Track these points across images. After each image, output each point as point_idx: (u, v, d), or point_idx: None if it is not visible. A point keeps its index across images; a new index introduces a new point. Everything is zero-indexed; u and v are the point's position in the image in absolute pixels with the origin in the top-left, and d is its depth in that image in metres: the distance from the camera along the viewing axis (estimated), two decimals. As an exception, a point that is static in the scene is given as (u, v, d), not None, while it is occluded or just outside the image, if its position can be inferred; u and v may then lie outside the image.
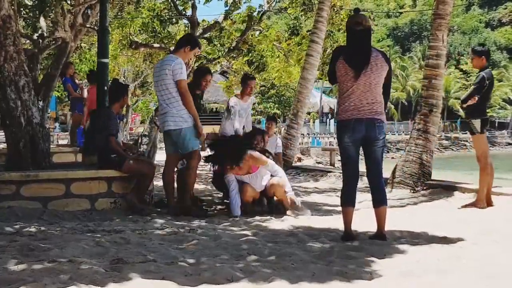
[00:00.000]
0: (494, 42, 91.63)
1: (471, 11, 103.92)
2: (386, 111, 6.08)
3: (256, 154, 7.62)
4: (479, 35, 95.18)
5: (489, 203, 8.15)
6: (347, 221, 5.61)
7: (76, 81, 14.45)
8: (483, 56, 8.28)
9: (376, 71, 5.58)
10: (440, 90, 9.99)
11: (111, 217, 6.73)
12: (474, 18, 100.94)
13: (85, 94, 14.43)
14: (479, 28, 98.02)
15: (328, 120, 58.97)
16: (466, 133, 70.44)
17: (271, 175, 7.66)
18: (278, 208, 7.67)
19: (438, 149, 55.99)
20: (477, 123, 8.11)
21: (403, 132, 65.09)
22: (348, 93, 5.62)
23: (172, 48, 16.61)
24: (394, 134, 63.69)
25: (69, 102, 15.62)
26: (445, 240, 5.47)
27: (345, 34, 6.07)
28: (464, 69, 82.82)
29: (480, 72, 8.20)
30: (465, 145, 67.62)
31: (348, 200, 5.65)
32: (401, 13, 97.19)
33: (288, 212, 7.39)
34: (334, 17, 18.38)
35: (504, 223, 6.55)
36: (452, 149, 66.06)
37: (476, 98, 7.99)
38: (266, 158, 7.70)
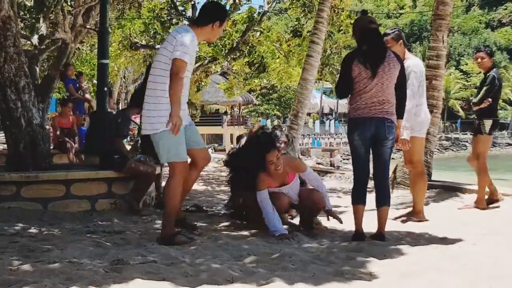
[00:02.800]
0: (494, 43, 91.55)
1: (471, 12, 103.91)
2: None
3: (296, 160, 6.75)
4: (479, 36, 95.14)
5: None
6: (358, 220, 5.58)
7: (81, 83, 14.42)
8: (492, 57, 8.29)
9: (388, 72, 5.59)
10: (440, 91, 9.97)
11: (111, 218, 6.72)
12: (474, 18, 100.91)
13: (87, 95, 14.44)
14: (479, 29, 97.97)
15: (328, 121, 58.98)
16: (466, 134, 70.64)
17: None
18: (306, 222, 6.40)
19: (438, 149, 56.09)
20: (488, 123, 8.09)
21: (403, 132, 64.97)
22: (360, 92, 5.62)
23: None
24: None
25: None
26: (445, 241, 5.47)
27: (352, 35, 6.07)
28: (464, 70, 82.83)
29: (489, 72, 8.15)
30: (465, 145, 67.68)
31: (358, 198, 5.63)
32: (401, 14, 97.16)
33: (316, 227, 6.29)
34: (334, 18, 18.38)
35: (504, 223, 6.56)
36: (452, 150, 66.20)
37: (490, 100, 7.99)
38: (306, 164, 6.68)
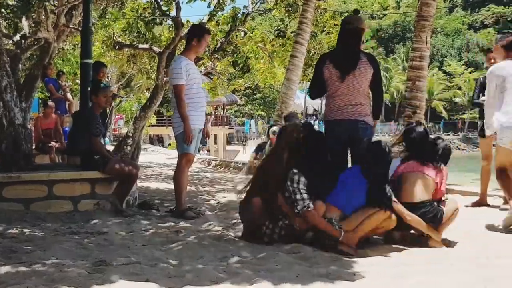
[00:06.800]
0: (477, 44, 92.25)
1: (454, 13, 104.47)
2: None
3: None
4: (462, 37, 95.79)
5: (484, 203, 8.21)
6: None
7: (62, 82, 14.33)
8: None
9: (359, 75, 5.66)
10: (424, 92, 10.01)
11: (94, 218, 6.67)
12: (457, 20, 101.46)
13: (69, 95, 14.36)
14: (462, 30, 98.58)
15: (312, 121, 59.03)
16: (449, 134, 71.09)
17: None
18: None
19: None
20: None
21: (386, 133, 65.46)
22: (333, 95, 5.74)
23: (155, 49, 16.64)
24: (378, 136, 64.01)
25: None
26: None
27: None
28: (447, 71, 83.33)
29: None
30: (448, 146, 67.93)
31: None
32: (385, 14, 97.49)
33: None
34: (318, 18, 18.41)
35: (491, 223, 6.58)
36: (435, 150, 66.41)
37: None
38: None
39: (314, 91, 6.17)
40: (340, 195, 5.20)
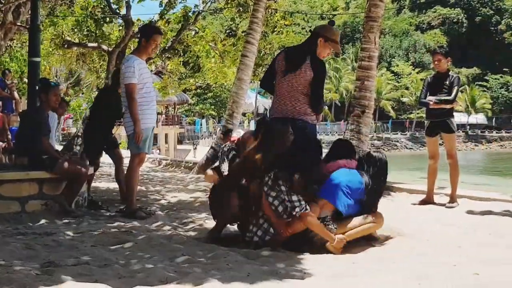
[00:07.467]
0: (423, 45, 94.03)
1: (401, 14, 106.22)
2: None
3: None
4: (409, 38, 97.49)
5: (431, 201, 8.35)
6: None
7: (8, 81, 14.07)
8: (448, 58, 8.51)
9: (299, 75, 5.75)
10: (373, 92, 10.12)
11: (42, 219, 6.57)
12: (405, 21, 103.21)
13: (15, 94, 14.10)
14: (410, 31, 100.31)
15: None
16: (396, 134, 72.26)
17: None
18: None
19: (369, 149, 57.07)
20: (454, 122, 8.36)
21: (336, 132, 66.16)
22: (276, 91, 5.88)
23: (105, 47, 16.49)
24: (328, 135, 64.68)
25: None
26: (383, 240, 5.55)
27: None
28: (395, 71, 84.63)
29: (451, 73, 8.40)
30: (395, 145, 69.28)
31: None
32: (334, 15, 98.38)
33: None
34: (269, 18, 18.50)
35: (438, 222, 6.72)
36: (383, 149, 67.50)
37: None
38: None
39: (264, 79, 6.35)
40: (335, 194, 5.30)
